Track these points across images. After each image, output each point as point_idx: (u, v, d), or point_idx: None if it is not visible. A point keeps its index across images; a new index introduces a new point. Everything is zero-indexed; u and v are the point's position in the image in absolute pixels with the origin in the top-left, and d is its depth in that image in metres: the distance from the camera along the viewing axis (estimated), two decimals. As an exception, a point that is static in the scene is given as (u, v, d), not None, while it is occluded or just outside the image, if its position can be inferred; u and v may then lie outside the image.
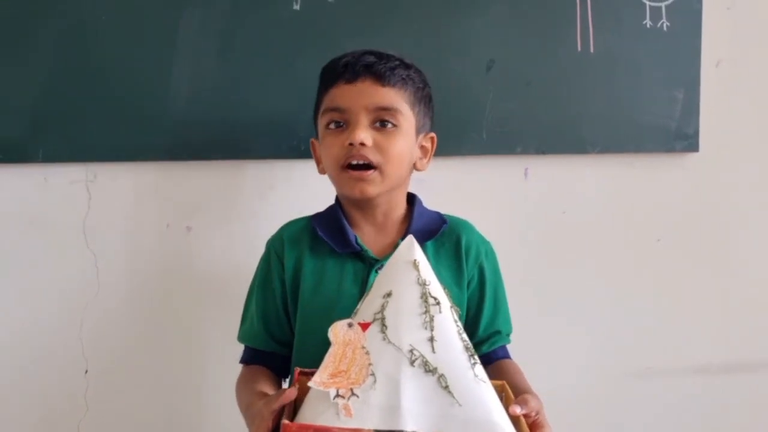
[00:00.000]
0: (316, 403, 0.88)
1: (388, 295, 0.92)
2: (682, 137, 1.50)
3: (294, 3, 1.37)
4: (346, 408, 0.86)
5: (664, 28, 1.47)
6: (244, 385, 1.12)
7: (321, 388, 0.87)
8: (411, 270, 0.93)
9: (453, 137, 1.43)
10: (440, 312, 0.91)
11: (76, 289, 1.39)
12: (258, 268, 1.20)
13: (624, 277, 1.53)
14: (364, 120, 1.09)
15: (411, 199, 1.21)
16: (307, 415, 0.88)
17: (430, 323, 0.90)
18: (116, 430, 1.42)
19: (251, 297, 1.20)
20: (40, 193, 1.38)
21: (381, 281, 0.95)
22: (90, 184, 1.38)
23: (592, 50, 1.45)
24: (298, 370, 0.97)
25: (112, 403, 1.42)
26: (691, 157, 1.52)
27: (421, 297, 0.92)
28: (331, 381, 0.87)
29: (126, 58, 1.34)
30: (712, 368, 1.58)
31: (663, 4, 1.46)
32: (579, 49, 1.45)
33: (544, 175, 1.49)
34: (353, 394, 0.86)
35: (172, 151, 1.38)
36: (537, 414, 0.96)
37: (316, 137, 1.18)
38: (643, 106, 1.48)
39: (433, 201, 1.41)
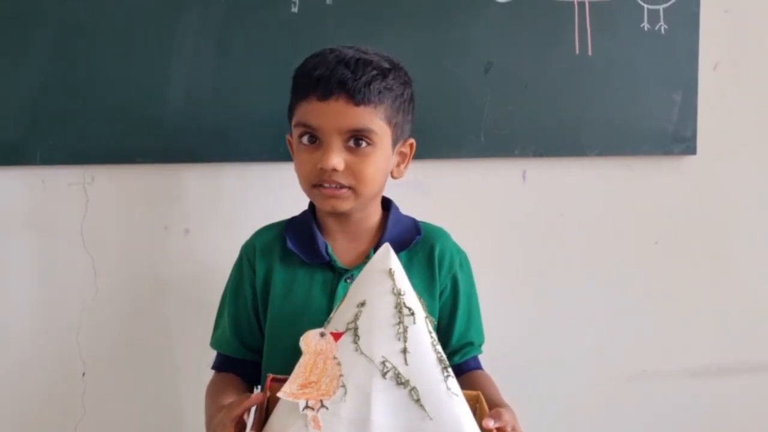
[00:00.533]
0: (285, 414, 0.87)
1: (362, 304, 0.90)
2: (679, 140, 1.50)
3: (292, 5, 1.37)
4: (315, 420, 0.84)
5: (662, 31, 1.47)
6: (210, 396, 1.12)
7: (290, 398, 0.85)
8: (386, 279, 0.92)
9: (451, 140, 1.43)
10: (414, 323, 0.89)
11: (74, 292, 1.39)
12: (231, 274, 1.19)
13: (622, 280, 1.54)
14: (336, 143, 1.05)
15: (387, 204, 1.19)
16: (276, 426, 0.87)
17: (403, 334, 0.88)
18: (114, 432, 1.42)
19: (224, 303, 1.19)
20: (38, 195, 1.37)
21: (355, 290, 0.93)
22: (87, 187, 1.38)
23: (590, 53, 1.45)
24: (270, 376, 0.95)
25: (110, 406, 1.41)
26: (688, 160, 1.52)
27: (396, 307, 0.90)
28: (301, 392, 0.85)
29: (124, 60, 1.34)
30: (709, 371, 1.58)
31: (661, 7, 1.46)
32: (577, 51, 1.45)
33: (541, 177, 1.49)
34: (323, 405, 0.85)
35: (170, 154, 1.37)
36: (513, 430, 0.94)
37: (291, 133, 1.16)
38: (641, 109, 1.48)
39: (430, 203, 1.41)
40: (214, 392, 1.12)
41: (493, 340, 1.39)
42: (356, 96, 1.04)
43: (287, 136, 1.18)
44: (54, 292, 1.39)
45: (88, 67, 1.34)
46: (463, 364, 1.16)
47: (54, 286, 1.39)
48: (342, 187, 1.07)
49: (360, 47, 1.10)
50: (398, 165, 1.15)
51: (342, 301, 0.94)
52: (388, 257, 0.94)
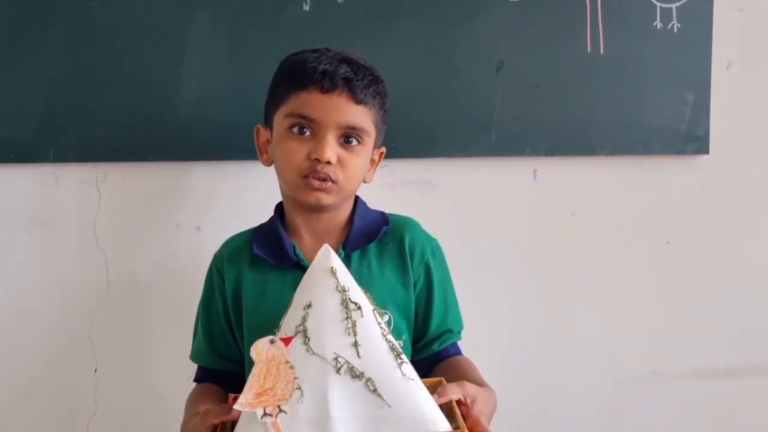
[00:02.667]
0: (246, 424, 0.86)
1: (308, 306, 0.91)
2: (692, 139, 1.49)
3: (303, 4, 1.37)
4: (275, 426, 0.84)
5: (675, 30, 1.46)
6: (189, 403, 1.12)
7: (248, 408, 0.85)
8: (329, 278, 0.93)
9: (462, 139, 1.43)
10: (362, 316, 0.90)
11: (86, 289, 1.40)
12: (204, 286, 1.20)
13: (633, 280, 1.53)
14: (332, 136, 1.08)
15: (354, 200, 1.19)
16: None
17: (353, 329, 0.89)
18: (125, 428, 1.43)
19: (198, 316, 1.20)
20: (51, 192, 1.38)
21: (301, 293, 0.94)
22: (100, 184, 1.39)
23: (601, 52, 1.45)
24: (231, 396, 0.95)
25: (122, 402, 1.42)
26: (701, 160, 1.51)
27: (342, 303, 0.90)
28: (257, 400, 0.85)
29: (136, 58, 1.35)
30: (719, 371, 1.57)
31: (673, 6, 1.46)
32: (589, 50, 1.44)
33: (553, 177, 1.49)
34: (281, 410, 0.85)
35: (182, 152, 1.38)
36: (472, 401, 0.94)
37: (263, 124, 1.17)
38: (653, 108, 1.47)
39: (440, 202, 1.41)
40: (192, 401, 1.12)
41: (503, 340, 1.40)
42: (358, 94, 1.08)
43: (258, 126, 1.18)
44: (66, 289, 1.40)
45: (101, 66, 1.35)
46: (442, 351, 1.16)
47: (66, 283, 1.40)
48: (329, 180, 1.09)
49: (351, 51, 1.13)
50: (368, 170, 1.17)
51: (289, 306, 0.94)
52: (328, 257, 0.95)
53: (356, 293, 0.93)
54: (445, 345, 1.16)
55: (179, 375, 1.42)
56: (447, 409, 0.91)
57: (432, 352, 1.15)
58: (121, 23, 1.34)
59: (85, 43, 1.34)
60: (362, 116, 1.09)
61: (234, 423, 0.90)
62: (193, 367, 1.40)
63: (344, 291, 0.92)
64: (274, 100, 1.14)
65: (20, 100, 1.34)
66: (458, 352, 1.19)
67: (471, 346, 1.22)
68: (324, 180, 1.09)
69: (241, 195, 1.42)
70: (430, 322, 1.15)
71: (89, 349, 1.41)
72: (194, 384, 1.19)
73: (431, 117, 1.41)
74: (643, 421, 1.55)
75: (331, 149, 1.07)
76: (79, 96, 1.35)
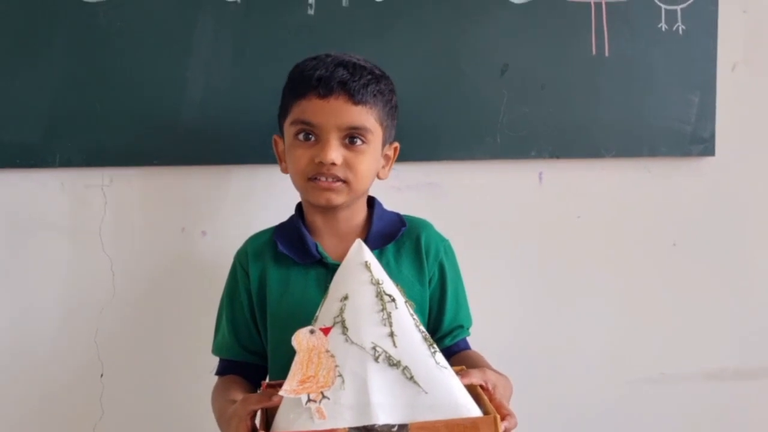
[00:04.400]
0: (288, 410, 0.90)
1: (345, 298, 0.95)
2: (697, 141, 1.49)
3: (308, 8, 1.37)
4: (319, 411, 0.88)
5: (680, 32, 1.46)
6: (217, 394, 1.15)
7: (292, 395, 0.89)
8: (363, 271, 0.97)
9: (467, 141, 1.43)
10: (396, 308, 0.95)
11: (92, 293, 1.40)
12: (226, 281, 1.23)
13: (640, 282, 1.53)
14: (335, 138, 1.11)
15: (371, 202, 1.23)
16: (282, 423, 0.91)
17: (388, 319, 0.93)
18: (131, 433, 1.43)
19: (221, 310, 1.23)
20: (57, 197, 1.39)
21: (336, 286, 0.98)
22: (106, 189, 1.39)
23: (606, 54, 1.44)
24: (264, 383, 1.00)
25: (128, 407, 1.42)
26: (707, 161, 1.51)
27: (377, 296, 0.95)
28: (301, 387, 0.89)
29: (141, 63, 1.35)
30: (727, 373, 1.57)
31: (678, 8, 1.45)
32: (594, 52, 1.44)
33: (558, 179, 1.48)
34: (324, 396, 0.89)
35: (187, 156, 1.38)
36: (494, 387, 0.99)
37: (279, 134, 1.20)
38: (659, 110, 1.47)
39: (446, 205, 1.41)
40: (221, 391, 1.15)
41: (510, 343, 1.39)
42: (355, 95, 1.11)
43: (274, 137, 1.21)
44: (72, 294, 1.40)
45: (106, 71, 1.35)
46: (453, 346, 1.20)
47: (72, 288, 1.40)
48: (337, 180, 1.12)
49: (352, 54, 1.16)
50: (383, 167, 1.20)
51: (324, 298, 0.98)
52: (362, 251, 0.99)
53: (389, 286, 0.97)
54: (456, 340, 1.21)
55: (185, 379, 1.43)
56: (471, 393, 0.95)
57: (444, 347, 1.17)
58: (127, 28, 1.34)
59: (91, 48, 1.34)
60: (363, 116, 1.11)
61: (272, 410, 0.94)
62: (197, 371, 1.41)
63: (378, 284, 0.96)
64: (282, 111, 1.18)
65: (26, 105, 1.34)
66: (468, 347, 1.23)
67: (478, 347, 1.23)
68: (331, 181, 1.12)
69: (246, 199, 1.42)
70: (443, 318, 1.20)
71: (95, 353, 1.41)
72: (215, 378, 1.21)
73: (436, 120, 1.41)
74: (652, 423, 1.55)
75: (334, 151, 1.10)
76: (84, 101, 1.35)
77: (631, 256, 1.52)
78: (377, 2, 1.38)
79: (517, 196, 1.48)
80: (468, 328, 1.23)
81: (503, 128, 1.43)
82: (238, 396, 1.06)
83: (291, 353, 0.93)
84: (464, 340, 1.23)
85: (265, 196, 1.42)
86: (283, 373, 0.95)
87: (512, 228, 1.48)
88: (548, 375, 1.50)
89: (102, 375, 1.41)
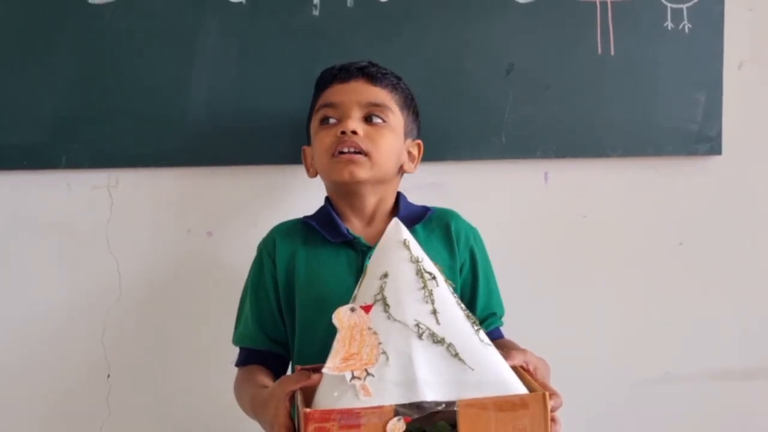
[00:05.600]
0: (331, 388, 0.89)
1: (385, 276, 0.94)
2: (704, 140, 1.48)
3: (313, 9, 1.37)
4: (364, 388, 0.87)
5: (686, 30, 1.45)
6: (243, 383, 1.15)
7: (336, 372, 0.88)
8: (402, 249, 0.96)
9: (472, 141, 1.43)
10: (437, 285, 0.94)
11: (98, 294, 1.41)
12: (250, 271, 1.23)
13: (645, 282, 1.52)
14: (356, 113, 1.15)
15: (397, 196, 1.25)
16: (324, 401, 0.89)
17: (429, 297, 0.93)
18: (138, 433, 1.44)
19: (244, 300, 1.22)
20: (63, 198, 1.39)
21: (374, 264, 0.97)
22: (112, 190, 1.40)
23: (612, 53, 1.44)
24: (299, 368, 0.98)
25: (134, 407, 1.43)
26: (713, 160, 1.51)
27: (417, 273, 0.94)
28: (345, 365, 0.88)
29: (146, 64, 1.36)
30: (734, 373, 1.56)
31: (684, 6, 1.45)
32: (599, 51, 1.44)
33: (564, 178, 1.48)
34: (368, 374, 0.88)
35: (193, 157, 1.39)
36: (535, 369, 1.01)
37: (307, 144, 1.23)
38: (665, 109, 1.46)
39: (451, 204, 1.40)
40: (246, 378, 1.14)
41: (515, 342, 1.38)
42: (374, 78, 1.17)
43: (303, 148, 1.24)
44: (79, 295, 1.41)
45: (112, 72, 1.35)
46: (487, 334, 1.17)
47: (79, 289, 1.41)
48: (359, 152, 1.14)
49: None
50: (408, 162, 1.23)
51: (363, 277, 0.97)
52: (399, 230, 0.99)
53: (429, 264, 0.96)
54: (490, 329, 1.19)
55: (192, 379, 1.43)
56: (518, 374, 0.94)
57: None
58: (132, 30, 1.35)
59: (96, 50, 1.35)
60: (382, 95, 1.17)
61: (309, 391, 0.92)
62: (204, 371, 1.42)
63: (418, 261, 0.95)
64: (309, 116, 1.22)
65: (32, 107, 1.35)
66: (502, 336, 1.23)
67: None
68: (353, 153, 1.14)
69: (252, 200, 1.42)
70: (476, 305, 1.20)
71: (102, 354, 1.41)
72: (236, 369, 1.21)
73: (442, 120, 1.41)
74: (657, 424, 1.54)
75: (354, 121, 1.14)
76: (90, 102, 1.35)
77: (637, 255, 1.51)
78: (382, 3, 1.38)
79: (523, 195, 1.48)
80: (501, 317, 1.24)
81: (508, 128, 1.43)
82: (267, 382, 1.06)
83: (321, 336, 0.93)
84: (498, 330, 1.23)
85: (271, 197, 1.42)
86: (308, 361, 0.95)
87: (518, 228, 1.48)
88: (553, 374, 1.49)
89: (109, 375, 1.42)
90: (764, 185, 1.54)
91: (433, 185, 1.42)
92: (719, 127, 1.48)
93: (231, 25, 1.36)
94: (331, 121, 1.17)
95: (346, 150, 1.14)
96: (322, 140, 1.17)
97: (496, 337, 1.20)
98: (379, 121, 1.16)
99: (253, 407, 1.04)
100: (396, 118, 1.18)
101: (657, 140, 1.47)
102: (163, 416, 1.43)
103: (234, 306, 1.24)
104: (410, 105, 1.22)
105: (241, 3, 1.36)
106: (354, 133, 1.13)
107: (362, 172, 1.14)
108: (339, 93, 1.17)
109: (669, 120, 1.47)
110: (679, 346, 1.54)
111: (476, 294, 1.20)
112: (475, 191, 1.46)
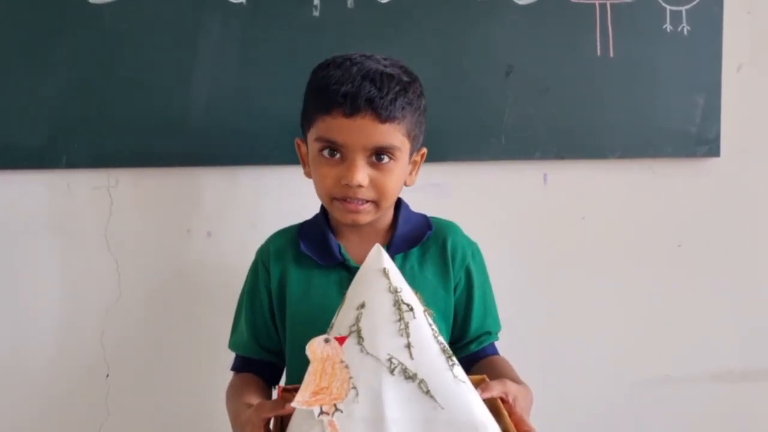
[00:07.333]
0: (301, 421, 0.88)
1: (362, 306, 0.91)
2: (703, 142, 1.49)
3: (314, 9, 1.37)
4: (332, 424, 0.85)
5: (685, 33, 1.46)
6: (233, 393, 1.13)
7: (305, 407, 0.86)
8: (381, 278, 0.93)
9: (472, 142, 1.43)
10: (414, 317, 0.91)
11: (98, 294, 1.41)
12: (247, 277, 1.21)
13: (644, 283, 1.52)
14: (361, 159, 1.06)
15: (397, 203, 1.19)
16: None
17: (405, 330, 0.90)
18: (137, 434, 1.44)
19: (241, 304, 1.21)
20: (63, 198, 1.39)
21: (353, 293, 0.94)
22: (112, 190, 1.40)
23: (611, 55, 1.44)
24: (280, 387, 0.98)
25: (134, 408, 1.43)
26: (712, 162, 1.51)
27: (394, 304, 0.91)
28: (314, 399, 0.87)
29: (146, 65, 1.36)
30: (732, 375, 1.57)
31: (683, 9, 1.45)
32: (598, 53, 1.44)
33: (563, 180, 1.48)
34: (337, 409, 0.86)
35: (193, 157, 1.39)
36: (514, 399, 0.96)
37: (302, 138, 1.16)
38: (664, 111, 1.47)
39: (451, 206, 1.41)
40: (236, 391, 1.13)
41: (514, 345, 1.38)
42: (382, 114, 1.05)
43: (297, 140, 1.18)
44: (78, 295, 1.41)
45: (112, 72, 1.35)
46: (480, 351, 1.18)
47: (78, 289, 1.41)
48: (365, 202, 1.09)
49: (376, 56, 1.10)
50: (410, 173, 1.16)
51: (341, 305, 0.95)
52: (380, 257, 0.95)
53: (408, 294, 0.93)
54: (482, 345, 1.18)
55: (191, 380, 1.43)
56: (490, 406, 0.92)
57: (470, 353, 1.16)
58: (132, 30, 1.35)
59: (97, 50, 1.35)
60: (390, 134, 1.06)
61: (286, 417, 0.91)
62: (203, 372, 1.42)
63: (396, 292, 0.92)
64: (304, 118, 1.14)
65: (32, 107, 1.35)
66: (495, 352, 1.20)
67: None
68: (359, 203, 1.09)
69: (252, 200, 1.42)
70: (470, 325, 1.17)
71: (101, 354, 1.41)
72: (221, 378, 1.20)
73: (441, 121, 1.41)
74: (657, 425, 1.55)
75: (361, 173, 1.06)
76: (90, 102, 1.35)
77: (636, 257, 1.52)
78: (382, 4, 1.39)
79: (522, 196, 1.48)
80: (496, 333, 1.20)
81: (508, 129, 1.43)
82: (254, 399, 1.05)
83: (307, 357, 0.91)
84: (492, 345, 1.20)
85: (271, 197, 1.43)
86: (300, 374, 0.93)
87: (516, 229, 1.48)
88: (553, 376, 1.49)
89: (108, 375, 1.42)
90: (763, 187, 1.55)
91: (432, 186, 1.42)
92: (718, 129, 1.48)
93: (231, 26, 1.36)
94: (335, 155, 1.08)
95: (350, 200, 1.08)
96: (323, 178, 1.09)
97: (489, 353, 1.19)
98: (386, 160, 1.07)
99: (234, 424, 1.05)
100: (403, 150, 1.09)
101: (656, 142, 1.48)
102: (162, 416, 1.43)
103: (233, 306, 1.24)
104: (418, 119, 1.11)
105: (241, 3, 1.36)
106: (359, 186, 1.06)
107: (367, 218, 1.10)
108: (343, 132, 1.05)
109: (668, 122, 1.47)
110: (678, 347, 1.54)
111: (470, 313, 1.17)
112: (475, 192, 1.46)
